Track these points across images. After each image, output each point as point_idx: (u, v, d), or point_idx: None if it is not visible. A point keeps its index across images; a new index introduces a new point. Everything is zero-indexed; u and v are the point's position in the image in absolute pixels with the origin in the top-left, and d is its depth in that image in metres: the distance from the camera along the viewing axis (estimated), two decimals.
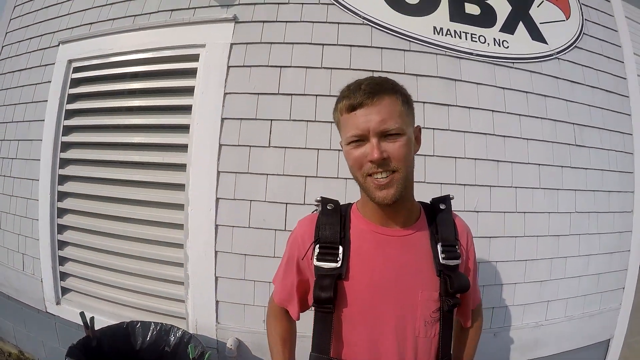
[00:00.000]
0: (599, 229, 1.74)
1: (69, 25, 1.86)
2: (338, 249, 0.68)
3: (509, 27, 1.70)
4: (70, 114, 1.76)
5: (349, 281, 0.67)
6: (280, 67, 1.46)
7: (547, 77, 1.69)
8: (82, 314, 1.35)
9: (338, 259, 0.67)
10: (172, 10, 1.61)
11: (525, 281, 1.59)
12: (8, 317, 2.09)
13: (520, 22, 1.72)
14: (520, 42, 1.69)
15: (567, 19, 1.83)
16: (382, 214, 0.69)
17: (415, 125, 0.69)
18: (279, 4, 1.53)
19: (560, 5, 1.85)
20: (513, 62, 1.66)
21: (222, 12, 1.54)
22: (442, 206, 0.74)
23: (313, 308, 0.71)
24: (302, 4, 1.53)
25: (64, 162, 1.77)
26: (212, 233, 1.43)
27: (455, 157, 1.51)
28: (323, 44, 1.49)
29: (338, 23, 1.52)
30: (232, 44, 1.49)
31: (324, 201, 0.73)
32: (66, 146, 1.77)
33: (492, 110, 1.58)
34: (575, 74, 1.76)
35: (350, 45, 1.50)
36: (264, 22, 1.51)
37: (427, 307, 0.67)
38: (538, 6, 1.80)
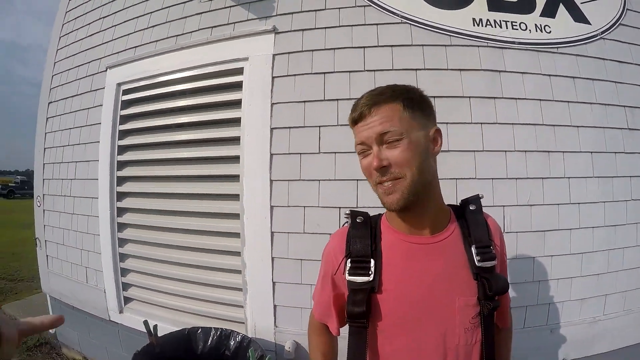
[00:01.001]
0: None
1: (114, 51, 1.96)
2: (369, 262, 0.66)
3: (549, 11, 1.62)
4: (124, 134, 1.86)
5: (383, 294, 0.65)
6: (324, 73, 1.47)
7: (593, 60, 1.60)
8: (145, 322, 1.41)
9: (370, 272, 0.65)
10: (212, 27, 1.66)
11: (581, 275, 1.52)
12: (73, 326, 2.23)
13: (561, 4, 1.63)
14: (562, 25, 1.60)
15: None
16: (407, 221, 0.67)
17: (433, 128, 0.65)
18: (316, 10, 1.54)
19: None
20: (557, 47, 1.58)
21: (261, 25, 1.57)
22: (472, 207, 0.71)
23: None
24: (339, 8, 1.54)
25: (121, 180, 1.87)
26: (268, 240, 1.47)
27: (505, 151, 1.46)
28: (364, 47, 1.49)
29: (377, 24, 1.51)
30: (274, 55, 1.51)
31: (353, 214, 0.72)
32: (122, 165, 1.87)
33: (540, 99, 1.52)
34: (622, 53, 1.65)
35: (391, 46, 1.49)
36: (303, 30, 1.53)
37: (465, 314, 0.64)
38: None
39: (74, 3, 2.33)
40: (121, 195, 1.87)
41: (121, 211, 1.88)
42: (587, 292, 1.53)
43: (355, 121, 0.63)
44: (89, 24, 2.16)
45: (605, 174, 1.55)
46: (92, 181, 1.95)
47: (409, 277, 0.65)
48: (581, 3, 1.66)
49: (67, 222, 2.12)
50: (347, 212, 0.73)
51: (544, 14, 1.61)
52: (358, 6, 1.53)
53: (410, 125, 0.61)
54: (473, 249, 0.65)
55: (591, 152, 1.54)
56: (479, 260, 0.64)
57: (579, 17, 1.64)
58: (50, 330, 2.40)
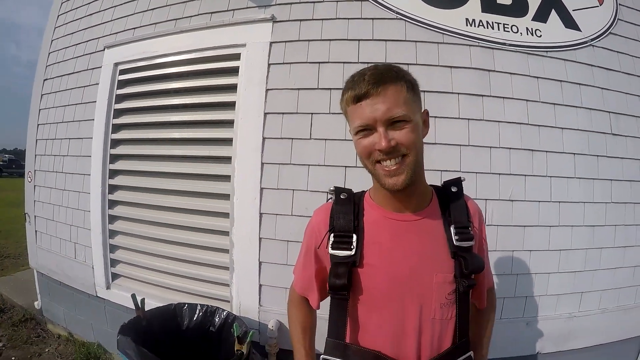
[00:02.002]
0: (636, 220, 1.72)
1: (112, 31, 2.01)
2: (352, 237, 0.69)
3: (541, 16, 1.70)
4: (119, 113, 1.91)
5: (364, 268, 0.69)
6: (319, 63, 1.54)
7: (581, 65, 1.69)
8: (133, 296, 1.47)
9: (352, 246, 0.69)
10: (211, 12, 1.71)
11: (559, 271, 1.60)
12: (59, 302, 2.28)
13: (553, 10, 1.71)
14: (553, 30, 1.69)
15: (600, 5, 1.81)
16: (394, 199, 0.69)
17: (423, 110, 0.69)
18: (314, 2, 1.61)
19: None
20: (546, 51, 1.66)
21: (260, 13, 1.64)
22: (453, 189, 0.74)
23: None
24: (337, 1, 1.60)
25: (114, 158, 1.92)
26: (257, 221, 1.54)
27: (490, 147, 1.54)
28: (359, 40, 1.55)
29: (372, 19, 1.58)
30: (271, 43, 1.58)
31: (337, 190, 0.75)
32: (115, 143, 1.92)
33: (527, 100, 1.60)
34: (610, 61, 1.74)
35: (385, 40, 1.56)
36: (300, 20, 1.59)
37: (442, 290, 0.68)
38: None
39: None
40: (113, 173, 1.93)
41: (113, 188, 1.93)
42: (563, 288, 1.62)
43: (358, 98, 0.62)
44: (88, 3, 2.20)
45: (587, 175, 1.64)
46: (84, 158, 2.01)
47: (389, 252, 0.69)
48: (573, 10, 1.75)
49: (57, 198, 2.17)
50: (332, 188, 0.77)
51: (536, 18, 1.69)
52: (356, 0, 1.60)
53: (412, 107, 0.63)
54: (452, 229, 0.69)
55: (574, 154, 1.63)
56: (457, 240, 0.68)
57: (570, 23, 1.73)
58: (36, 306, 2.45)
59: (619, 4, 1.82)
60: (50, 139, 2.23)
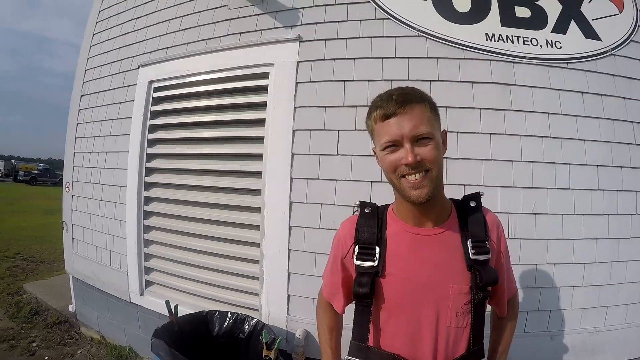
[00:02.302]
0: None
1: (146, 50, 2.14)
2: (375, 249, 0.75)
3: (560, 27, 1.71)
4: (153, 128, 2.04)
5: (386, 278, 0.74)
6: (344, 81, 1.61)
7: (602, 75, 1.68)
8: (167, 302, 1.55)
9: (375, 258, 0.74)
10: (240, 33, 1.82)
11: (583, 284, 1.59)
12: (93, 306, 2.42)
13: (572, 21, 1.72)
14: (573, 41, 1.69)
15: (620, 12, 1.79)
16: (415, 213, 0.74)
17: (442, 130, 0.75)
18: (338, 22, 1.69)
19: None
20: (567, 62, 1.67)
21: (287, 33, 1.73)
22: (472, 203, 0.78)
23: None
24: (360, 20, 1.67)
25: (149, 171, 2.05)
26: (286, 233, 1.62)
27: (512, 161, 1.56)
28: (382, 58, 1.62)
29: (395, 37, 1.64)
30: (298, 62, 1.67)
31: (362, 204, 0.81)
32: (151, 156, 2.05)
33: (548, 113, 1.62)
34: (632, 70, 1.72)
35: (408, 58, 1.61)
36: (326, 40, 1.67)
37: (458, 300, 0.72)
38: (589, 2, 1.77)
39: (107, 3, 2.53)
40: (148, 185, 2.05)
41: (148, 200, 2.06)
42: (588, 302, 1.60)
43: (387, 116, 0.68)
44: (122, 23, 2.35)
45: (610, 187, 1.63)
46: (121, 170, 2.14)
47: (410, 264, 0.74)
48: (592, 19, 1.74)
49: (94, 207, 2.31)
50: (357, 202, 0.83)
51: (556, 30, 1.70)
52: (378, 19, 1.67)
53: (435, 126, 0.70)
54: (469, 243, 0.73)
55: (597, 166, 1.62)
56: (473, 254, 0.72)
57: (590, 33, 1.72)
58: (70, 309, 2.60)
59: (639, 10, 1.78)
60: (88, 152, 2.39)
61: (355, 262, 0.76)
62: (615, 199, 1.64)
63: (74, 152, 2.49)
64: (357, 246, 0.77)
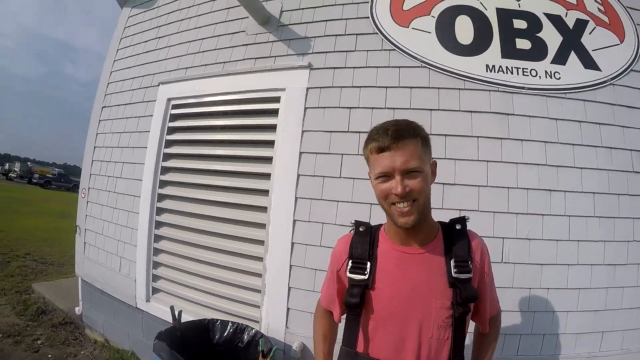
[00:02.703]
0: None
1: (167, 69, 2.30)
2: (366, 264, 0.83)
3: (560, 58, 1.77)
4: (169, 143, 2.18)
5: (375, 291, 0.82)
6: (350, 108, 1.73)
7: (601, 105, 1.73)
8: (171, 308, 1.62)
9: (366, 272, 0.83)
10: (255, 58, 1.96)
11: (578, 309, 1.61)
12: (99, 309, 2.52)
13: (572, 52, 1.78)
14: (572, 71, 1.75)
15: (621, 43, 1.84)
16: (403, 235, 0.82)
17: (432, 161, 0.83)
18: (347, 52, 1.82)
19: (613, 29, 1.86)
20: (565, 93, 1.72)
21: (298, 60, 1.87)
22: (458, 226, 0.86)
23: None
24: (367, 51, 1.80)
25: (163, 183, 2.18)
26: (289, 249, 1.71)
27: (508, 187, 1.62)
28: (386, 87, 1.73)
29: (399, 67, 1.76)
30: (308, 88, 1.80)
31: (357, 224, 0.91)
32: (165, 170, 2.18)
33: (545, 142, 1.67)
34: (632, 99, 1.76)
35: (410, 87, 1.72)
36: (334, 68, 1.80)
37: (440, 314, 0.79)
38: (590, 33, 1.84)
39: (132, 20, 2.73)
40: (161, 197, 2.18)
41: (160, 211, 2.18)
42: (583, 327, 1.61)
43: (381, 150, 0.75)
44: (146, 41, 2.53)
45: (607, 214, 1.66)
46: (136, 181, 2.28)
47: (397, 279, 0.82)
48: (593, 50, 1.80)
49: (108, 214, 2.44)
50: (353, 221, 0.93)
51: (555, 60, 1.76)
52: (384, 50, 1.79)
53: (424, 160, 0.77)
54: (452, 262, 0.81)
55: (594, 193, 1.67)
56: (455, 272, 0.80)
57: (589, 63, 1.78)
58: (77, 311, 2.70)
59: None
60: (106, 161, 2.54)
61: (348, 274, 0.85)
62: (611, 226, 1.67)
63: (92, 160, 2.65)
64: (350, 261, 0.86)
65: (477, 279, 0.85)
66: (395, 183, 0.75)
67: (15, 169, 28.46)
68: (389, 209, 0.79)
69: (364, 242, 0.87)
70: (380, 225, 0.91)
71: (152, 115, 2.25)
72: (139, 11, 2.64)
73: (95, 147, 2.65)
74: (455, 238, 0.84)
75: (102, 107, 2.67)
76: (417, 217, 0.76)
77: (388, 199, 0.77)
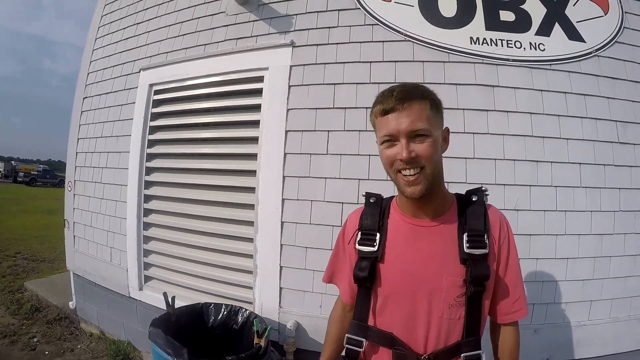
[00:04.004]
0: None
1: (147, 54, 2.27)
2: (376, 235, 0.80)
3: (544, 30, 1.78)
4: (154, 129, 2.17)
5: (385, 264, 0.78)
6: (334, 84, 1.73)
7: (586, 76, 1.75)
8: (165, 294, 1.64)
9: (375, 243, 0.79)
10: (237, 38, 1.95)
11: (566, 279, 1.65)
12: (93, 302, 2.53)
13: (556, 24, 1.79)
14: (556, 43, 1.76)
15: (605, 14, 1.86)
16: (414, 206, 0.78)
17: (444, 127, 0.78)
18: (329, 27, 1.81)
19: (597, 1, 1.87)
20: (550, 64, 1.74)
21: (280, 38, 1.86)
22: (474, 198, 0.80)
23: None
24: (350, 26, 1.79)
25: (149, 170, 2.17)
26: (279, 229, 1.73)
27: (495, 159, 1.65)
28: (370, 62, 1.74)
29: (383, 42, 1.75)
30: (291, 66, 1.79)
31: (367, 195, 0.87)
32: (151, 157, 2.17)
33: (530, 113, 1.70)
34: (616, 70, 1.79)
35: (395, 61, 1.73)
36: (317, 45, 1.80)
37: (451, 292, 0.74)
38: (574, 5, 1.84)
39: (109, 8, 2.67)
40: (148, 184, 2.18)
41: (148, 198, 2.18)
42: (572, 296, 1.66)
43: (386, 112, 0.71)
44: (124, 28, 2.49)
45: (593, 184, 1.70)
46: (122, 170, 2.27)
47: (407, 252, 0.78)
48: (577, 22, 1.81)
49: (96, 206, 2.44)
50: (364, 193, 0.88)
51: (540, 32, 1.78)
52: (367, 25, 1.79)
53: (433, 124, 0.71)
54: (465, 236, 0.75)
55: (580, 164, 1.70)
56: (467, 247, 0.74)
57: (574, 35, 1.79)
58: (70, 306, 2.72)
59: (625, 12, 1.87)
60: (90, 152, 2.52)
61: (357, 246, 0.81)
62: (598, 196, 1.71)
63: (77, 153, 2.63)
64: (359, 232, 0.83)
65: (495, 256, 0.78)
66: (400, 147, 0.70)
67: (0, 169, 28.02)
68: (395, 178, 0.74)
69: (374, 213, 0.83)
70: (392, 197, 0.87)
71: (134, 103, 2.23)
72: None
73: (79, 139, 2.63)
74: (469, 210, 0.78)
75: (84, 98, 2.64)
76: (425, 186, 0.71)
77: (394, 165, 0.73)
